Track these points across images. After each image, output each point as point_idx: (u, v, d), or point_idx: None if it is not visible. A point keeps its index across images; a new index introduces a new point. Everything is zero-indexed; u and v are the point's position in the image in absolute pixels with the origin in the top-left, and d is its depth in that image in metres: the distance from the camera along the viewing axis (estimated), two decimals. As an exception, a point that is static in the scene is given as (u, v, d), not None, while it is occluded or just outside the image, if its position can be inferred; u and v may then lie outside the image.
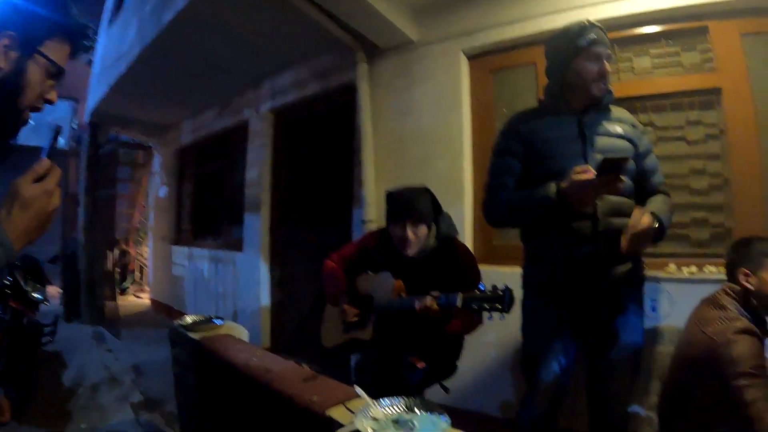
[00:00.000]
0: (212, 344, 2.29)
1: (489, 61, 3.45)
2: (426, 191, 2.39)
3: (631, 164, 1.99)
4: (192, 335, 2.49)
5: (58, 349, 5.08)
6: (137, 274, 9.48)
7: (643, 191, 2.10)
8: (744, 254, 1.96)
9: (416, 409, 1.39)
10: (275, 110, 5.07)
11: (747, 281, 1.91)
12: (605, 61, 2.01)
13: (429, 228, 2.35)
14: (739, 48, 2.64)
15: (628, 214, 1.96)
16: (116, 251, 8.76)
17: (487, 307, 1.87)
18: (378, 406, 1.40)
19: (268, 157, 5.10)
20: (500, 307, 1.84)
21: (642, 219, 1.84)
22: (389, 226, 2.40)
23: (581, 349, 2.17)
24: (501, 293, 1.85)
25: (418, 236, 2.31)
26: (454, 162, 3.42)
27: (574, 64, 2.04)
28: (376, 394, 1.48)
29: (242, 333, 2.61)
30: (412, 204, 2.32)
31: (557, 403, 2.12)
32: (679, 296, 2.53)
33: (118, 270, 8.78)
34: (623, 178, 1.74)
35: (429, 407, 1.38)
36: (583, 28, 2.02)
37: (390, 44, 3.75)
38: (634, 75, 2.94)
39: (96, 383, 4.21)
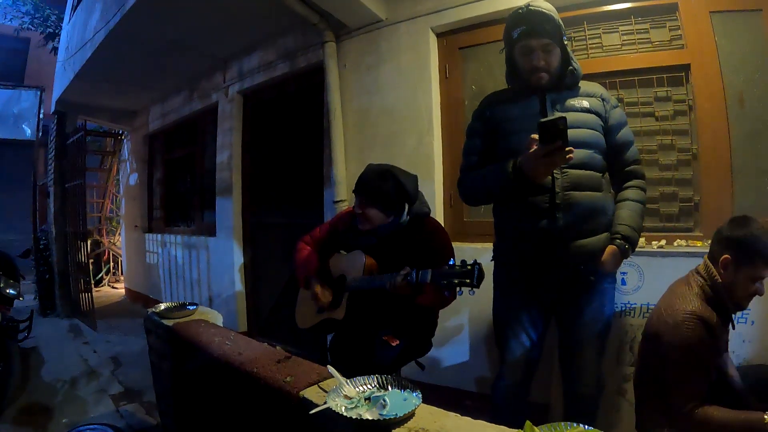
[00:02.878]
0: (185, 330, 2.27)
1: (458, 39, 3.42)
2: (390, 176, 2.33)
3: (597, 138, 2.03)
4: (165, 322, 2.47)
5: (34, 345, 5.04)
6: (111, 264, 9.33)
7: (615, 166, 2.13)
8: (736, 243, 1.78)
9: (389, 386, 1.40)
10: (244, 92, 5.02)
11: (722, 269, 1.80)
12: (538, 54, 1.99)
13: (383, 211, 2.34)
14: (709, 25, 2.64)
15: (593, 188, 1.99)
16: (89, 242, 8.61)
17: (456, 282, 1.87)
18: (351, 385, 1.41)
19: (238, 140, 5.06)
20: (469, 281, 1.84)
21: (605, 257, 2.00)
22: None
23: (551, 322, 2.22)
24: (470, 268, 1.85)
25: (366, 215, 2.33)
26: (423, 139, 3.41)
27: (514, 54, 2.08)
28: (351, 374, 1.48)
29: (216, 317, 2.60)
30: (368, 185, 2.33)
31: (528, 373, 2.17)
32: (648, 270, 2.56)
33: (91, 261, 8.63)
34: (570, 149, 1.74)
35: (402, 384, 1.40)
36: (516, 18, 2.01)
37: (358, 23, 3.71)
38: (603, 51, 2.94)
39: (75, 376, 4.18)
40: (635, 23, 2.85)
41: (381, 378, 1.44)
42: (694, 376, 1.72)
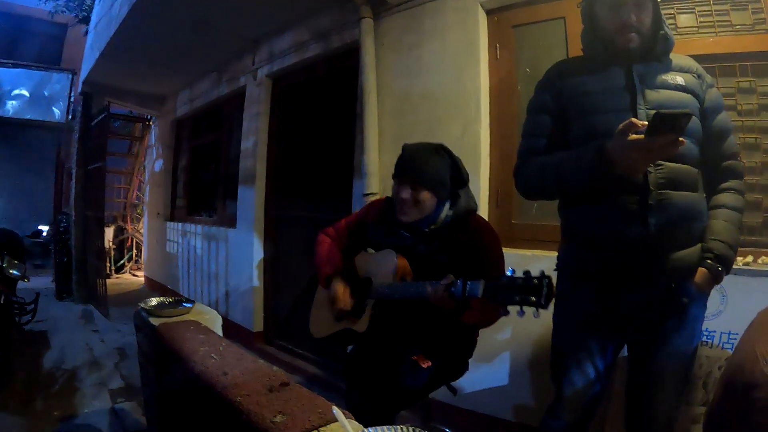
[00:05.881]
0: (170, 333, 1.92)
1: (511, 16, 3.08)
2: (443, 152, 1.99)
3: (695, 123, 1.64)
4: (152, 320, 2.14)
5: (44, 329, 5.00)
6: (134, 251, 9.33)
7: (709, 160, 1.74)
8: None
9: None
10: (273, 75, 4.78)
11: None
12: (630, 8, 1.62)
13: (437, 196, 1.95)
14: (799, 8, 2.31)
15: (690, 187, 1.63)
16: (113, 228, 8.62)
17: (518, 299, 1.45)
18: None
19: (265, 126, 4.83)
20: (535, 299, 1.42)
21: (698, 279, 1.66)
22: (393, 183, 2.04)
23: (622, 351, 1.86)
24: (537, 282, 1.43)
25: (417, 200, 1.92)
26: (469, 128, 3.06)
27: (595, 8, 1.72)
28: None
29: (213, 319, 2.26)
30: (419, 162, 1.94)
31: (590, 412, 1.83)
32: (732, 290, 2.16)
33: (114, 247, 8.64)
34: (682, 140, 1.36)
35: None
36: None
37: (399, -1, 3.41)
38: (677, 34, 2.51)
39: (77, 366, 4.05)
40: (713, 3, 2.50)
41: (407, 431, 1.03)
42: None
